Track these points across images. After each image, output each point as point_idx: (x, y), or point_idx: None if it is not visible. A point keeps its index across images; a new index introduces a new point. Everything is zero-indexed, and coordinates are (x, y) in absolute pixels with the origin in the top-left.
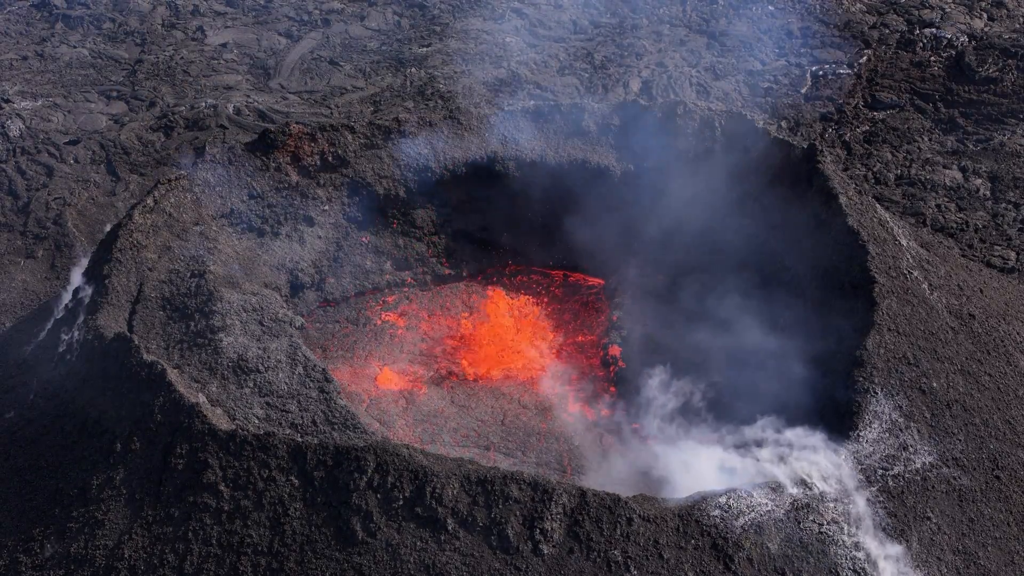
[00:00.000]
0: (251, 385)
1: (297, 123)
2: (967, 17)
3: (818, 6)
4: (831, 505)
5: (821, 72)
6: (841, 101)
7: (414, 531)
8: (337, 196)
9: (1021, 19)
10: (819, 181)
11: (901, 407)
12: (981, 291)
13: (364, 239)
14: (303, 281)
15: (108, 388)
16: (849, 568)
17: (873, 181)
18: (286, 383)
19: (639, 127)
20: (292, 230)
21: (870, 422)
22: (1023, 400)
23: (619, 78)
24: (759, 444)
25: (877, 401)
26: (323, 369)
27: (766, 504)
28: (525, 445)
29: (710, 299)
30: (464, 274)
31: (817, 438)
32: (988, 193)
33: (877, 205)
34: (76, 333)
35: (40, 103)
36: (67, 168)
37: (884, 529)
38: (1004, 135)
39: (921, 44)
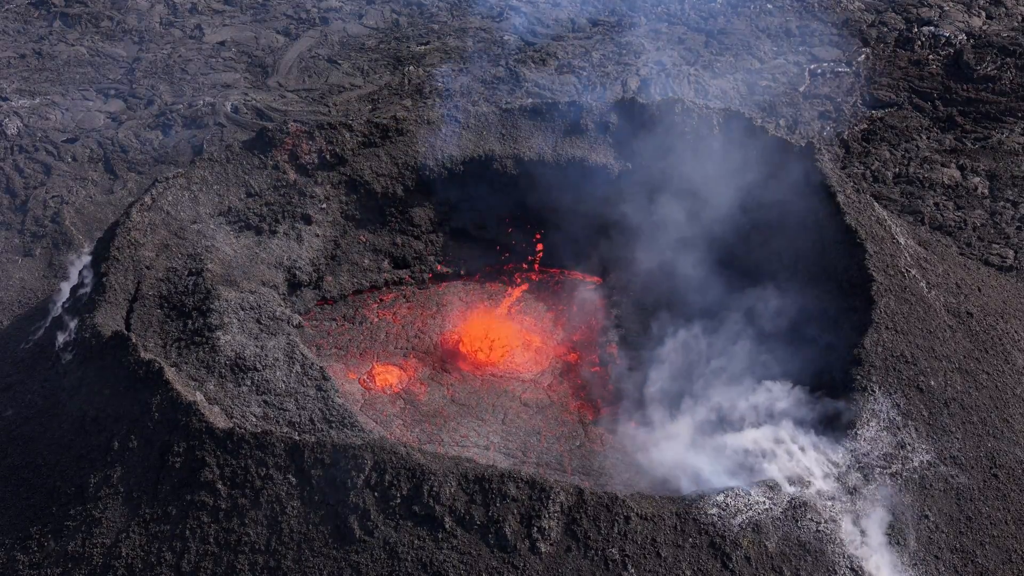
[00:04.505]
0: (249, 383)
1: (295, 121)
2: (965, 15)
3: (816, 4)
4: (829, 503)
5: (819, 70)
6: (839, 99)
7: (411, 529)
8: (335, 194)
9: (1019, 18)
10: (817, 179)
11: (899, 405)
12: (979, 289)
13: (362, 237)
14: (301, 279)
15: (105, 386)
16: (846, 567)
17: (871, 179)
18: (284, 381)
19: (637, 125)
20: (290, 228)
21: (868, 420)
22: (1021, 398)
23: (617, 76)
24: (757, 442)
25: (875, 399)
26: (320, 367)
27: (764, 502)
28: (525, 445)
29: (708, 297)
30: (462, 272)
31: (815, 436)
32: (986, 191)
33: (875, 203)
34: (73, 331)
35: (38, 101)
36: (65, 166)
37: (882, 528)
38: (1002, 133)
39: (919, 42)
